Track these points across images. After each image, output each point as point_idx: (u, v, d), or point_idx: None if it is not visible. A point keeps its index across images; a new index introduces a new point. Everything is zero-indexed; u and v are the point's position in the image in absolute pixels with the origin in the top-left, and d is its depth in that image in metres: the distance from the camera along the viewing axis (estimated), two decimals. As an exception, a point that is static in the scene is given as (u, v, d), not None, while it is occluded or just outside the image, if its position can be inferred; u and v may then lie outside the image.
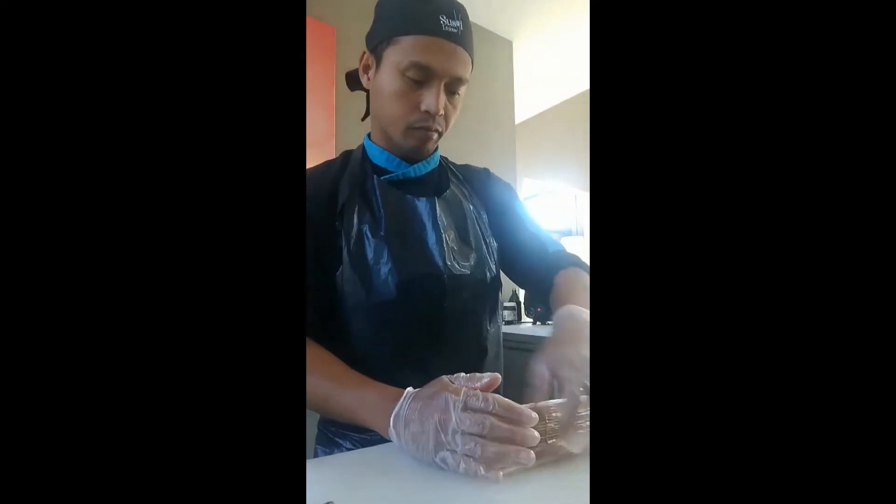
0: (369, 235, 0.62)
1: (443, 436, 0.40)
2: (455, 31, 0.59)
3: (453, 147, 2.26)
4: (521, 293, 2.43)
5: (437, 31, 0.57)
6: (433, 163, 0.71)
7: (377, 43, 0.62)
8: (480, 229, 0.71)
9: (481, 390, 0.42)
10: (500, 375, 0.45)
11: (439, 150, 0.74)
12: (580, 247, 3.36)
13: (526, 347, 2.08)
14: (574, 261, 0.69)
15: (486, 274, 0.69)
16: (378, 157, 0.69)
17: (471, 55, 0.62)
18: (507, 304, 2.37)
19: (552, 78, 3.04)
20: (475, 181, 0.78)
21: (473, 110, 2.42)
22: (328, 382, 0.51)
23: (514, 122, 2.65)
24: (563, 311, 0.53)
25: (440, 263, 0.64)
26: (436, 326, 0.64)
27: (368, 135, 0.71)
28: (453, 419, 0.40)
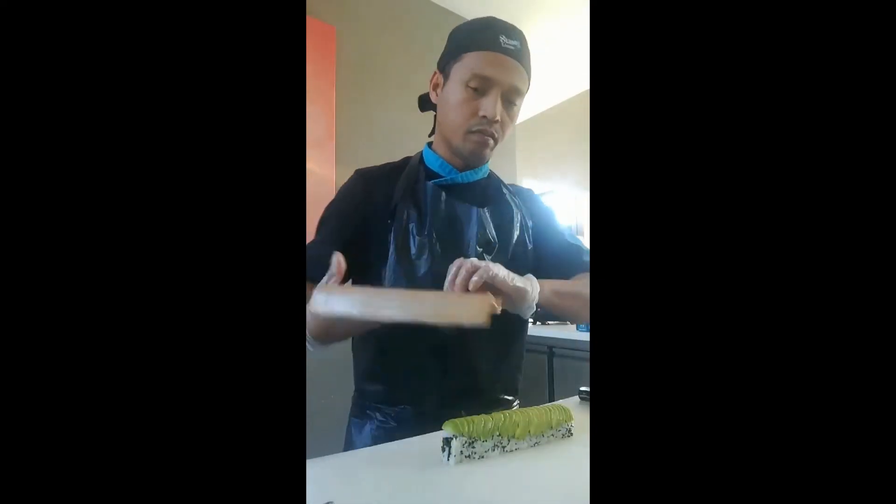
0: (415, 233, 0.69)
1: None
2: (513, 48, 0.68)
3: (453, 147, 2.26)
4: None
5: (496, 47, 0.67)
6: (481, 173, 0.78)
7: (446, 62, 0.71)
8: (524, 238, 0.77)
9: None
10: None
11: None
12: (580, 247, 3.34)
13: (527, 347, 2.08)
14: (584, 268, 0.77)
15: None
16: (433, 162, 0.76)
17: (528, 72, 0.71)
18: (507, 304, 2.36)
19: (552, 78, 3.04)
20: (524, 197, 0.86)
21: (473, 110, 2.42)
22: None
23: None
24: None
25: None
26: None
27: (429, 144, 0.79)
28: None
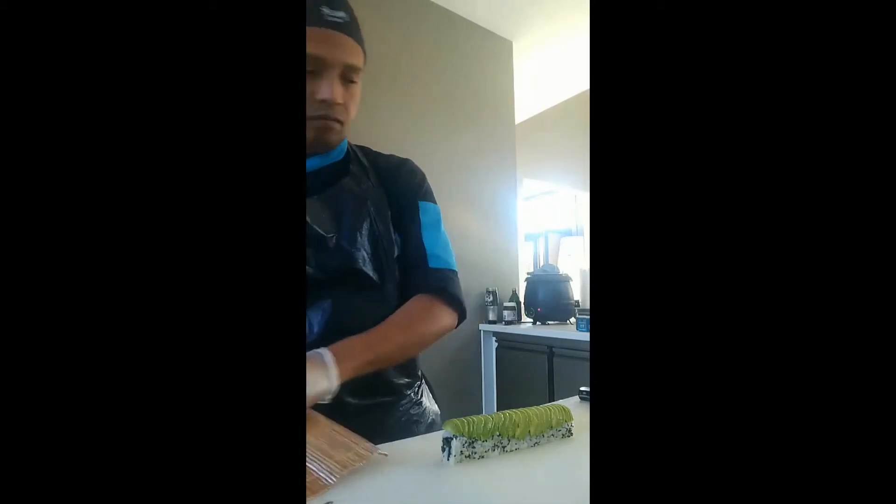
0: None
1: None
2: (340, 20, 0.61)
3: (454, 147, 2.27)
4: (522, 293, 2.43)
5: (320, 21, 0.59)
6: (331, 158, 0.69)
7: None
8: (375, 224, 0.67)
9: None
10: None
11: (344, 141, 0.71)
12: (580, 247, 3.36)
13: (526, 348, 2.09)
14: (438, 287, 0.67)
15: (382, 269, 0.66)
16: None
17: (360, 45, 0.64)
18: (507, 304, 2.37)
19: (552, 78, 3.04)
20: (387, 171, 0.74)
21: (473, 110, 2.42)
22: None
23: (514, 122, 2.65)
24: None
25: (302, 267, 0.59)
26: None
27: None
28: None
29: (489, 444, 0.47)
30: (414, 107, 2.04)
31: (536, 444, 0.51)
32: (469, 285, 1.97)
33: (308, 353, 0.52)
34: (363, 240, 0.66)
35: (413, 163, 0.77)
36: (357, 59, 0.63)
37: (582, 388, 0.73)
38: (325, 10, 0.59)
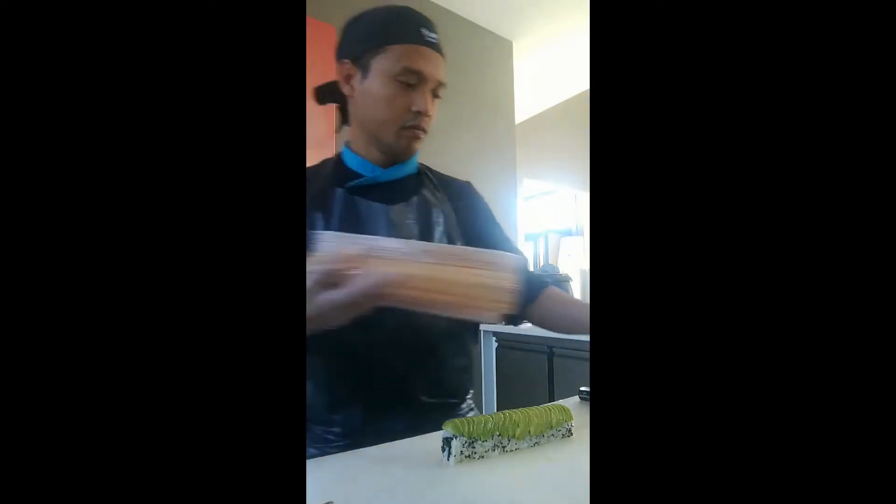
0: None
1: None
2: (434, 41, 0.67)
3: (454, 147, 2.27)
4: (521, 293, 2.43)
5: (421, 40, 0.65)
6: (408, 168, 0.74)
7: (361, 53, 0.67)
8: (450, 236, 0.72)
9: None
10: None
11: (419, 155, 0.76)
12: (580, 247, 3.36)
13: (527, 347, 2.09)
14: (549, 282, 0.81)
15: None
16: (353, 162, 0.72)
17: (444, 63, 0.70)
18: (507, 304, 2.36)
19: (552, 78, 3.04)
20: (453, 190, 0.80)
21: (473, 110, 2.42)
22: None
23: (514, 122, 2.65)
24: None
25: None
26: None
27: (348, 143, 0.75)
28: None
29: (489, 444, 0.47)
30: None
31: (536, 444, 0.51)
32: (469, 285, 1.96)
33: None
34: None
35: (473, 186, 0.86)
36: (444, 76, 0.69)
37: (582, 388, 0.73)
38: (424, 31, 0.66)
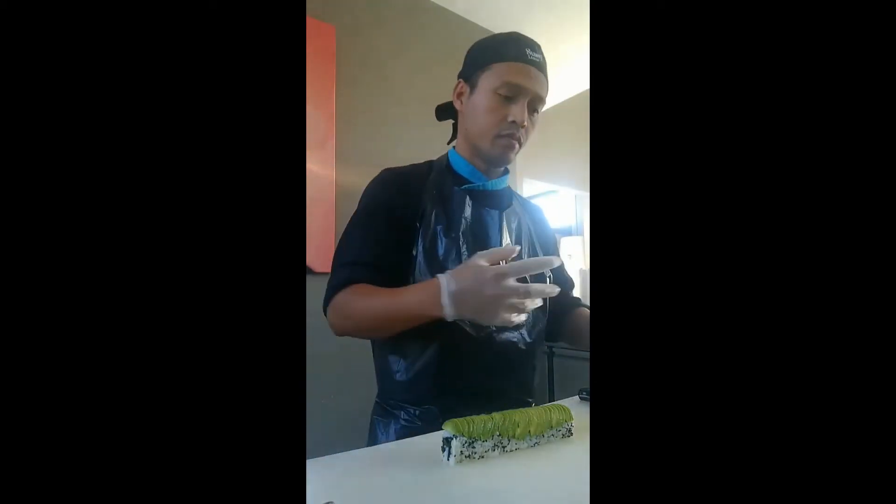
0: (442, 236, 0.72)
1: (495, 300, 0.55)
2: (538, 60, 0.73)
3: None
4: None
5: (524, 59, 0.72)
6: (505, 182, 0.84)
7: (472, 72, 0.76)
8: (532, 243, 0.83)
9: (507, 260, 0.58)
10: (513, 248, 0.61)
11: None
12: (580, 247, 3.36)
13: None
14: (583, 302, 0.90)
15: (537, 280, 0.76)
16: (462, 168, 0.80)
17: (547, 80, 0.76)
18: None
19: (552, 78, 3.04)
20: (533, 211, 0.92)
21: (473, 110, 2.41)
22: (381, 299, 0.64)
23: (514, 122, 2.64)
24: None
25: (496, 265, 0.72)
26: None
27: (454, 149, 0.83)
28: (503, 284, 0.54)
29: (489, 444, 0.47)
30: (414, 107, 2.04)
31: (536, 444, 0.51)
32: (469, 285, 1.97)
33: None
34: (528, 253, 0.81)
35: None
36: (545, 93, 0.74)
37: (582, 389, 0.73)
38: (528, 52, 0.72)
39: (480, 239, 0.75)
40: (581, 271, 2.62)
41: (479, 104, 0.75)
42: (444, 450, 0.46)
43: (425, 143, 2.36)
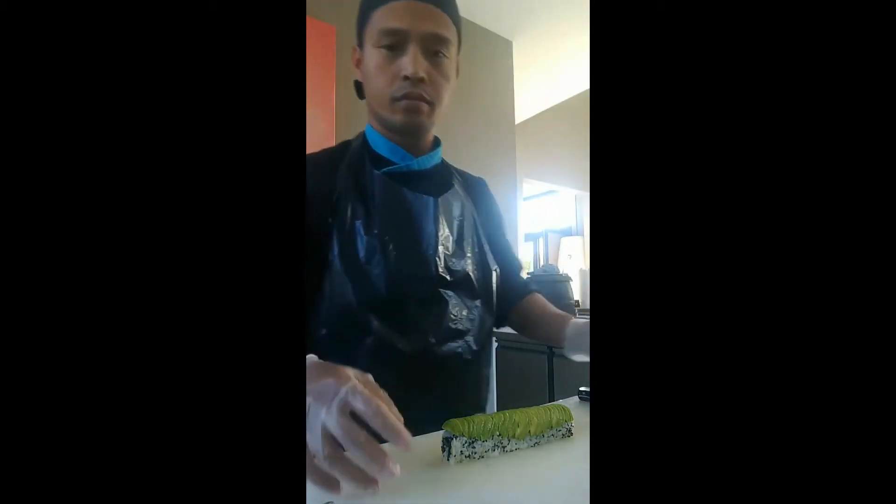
0: (362, 232, 0.59)
1: (311, 433, 0.34)
2: None
3: (454, 147, 2.27)
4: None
5: None
6: (436, 158, 0.70)
7: (359, 31, 0.63)
8: (477, 233, 0.70)
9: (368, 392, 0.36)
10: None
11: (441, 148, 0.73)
12: (580, 247, 3.36)
13: (526, 348, 2.09)
14: (535, 288, 0.80)
15: (484, 277, 0.69)
16: (381, 146, 0.66)
17: (449, 14, 0.60)
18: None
19: (552, 78, 3.04)
20: (473, 186, 0.78)
21: (473, 110, 2.42)
22: None
23: (514, 122, 2.65)
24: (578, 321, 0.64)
25: (431, 265, 0.62)
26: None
27: (370, 124, 0.69)
28: (328, 421, 0.34)
29: (489, 444, 0.47)
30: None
31: (536, 444, 0.51)
32: (469, 285, 1.97)
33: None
34: (471, 246, 0.68)
35: (486, 183, 0.82)
36: (443, 29, 0.59)
37: (582, 388, 0.73)
38: None
39: (410, 234, 0.61)
40: (581, 271, 2.62)
41: (368, 66, 0.61)
42: (444, 450, 0.46)
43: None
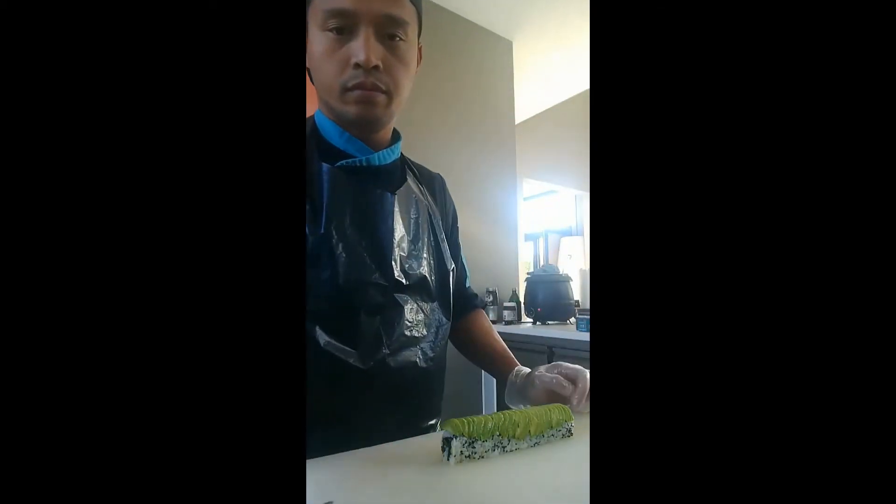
0: (308, 232, 0.52)
1: None
2: None
3: (453, 147, 2.27)
4: (522, 293, 2.43)
5: None
6: (396, 152, 0.63)
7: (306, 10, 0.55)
8: (434, 233, 0.65)
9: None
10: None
11: (401, 140, 0.66)
12: (580, 247, 3.36)
13: (527, 347, 2.09)
14: (480, 303, 0.77)
15: (441, 280, 0.65)
16: (334, 136, 0.58)
17: None
18: (507, 303, 2.37)
19: (552, 78, 3.04)
20: (431, 183, 0.71)
21: (473, 110, 2.42)
22: None
23: (514, 122, 2.65)
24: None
25: (388, 270, 0.57)
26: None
27: (320, 109, 0.61)
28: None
29: (489, 444, 0.47)
30: (413, 107, 2.04)
31: (536, 444, 0.51)
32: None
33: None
34: (428, 247, 0.63)
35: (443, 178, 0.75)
36: (398, 9, 0.51)
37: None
38: None
39: (363, 234, 0.55)
40: (581, 271, 2.62)
41: (313, 51, 0.53)
42: (444, 450, 0.46)
43: (426, 142, 2.37)
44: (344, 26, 0.50)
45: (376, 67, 0.51)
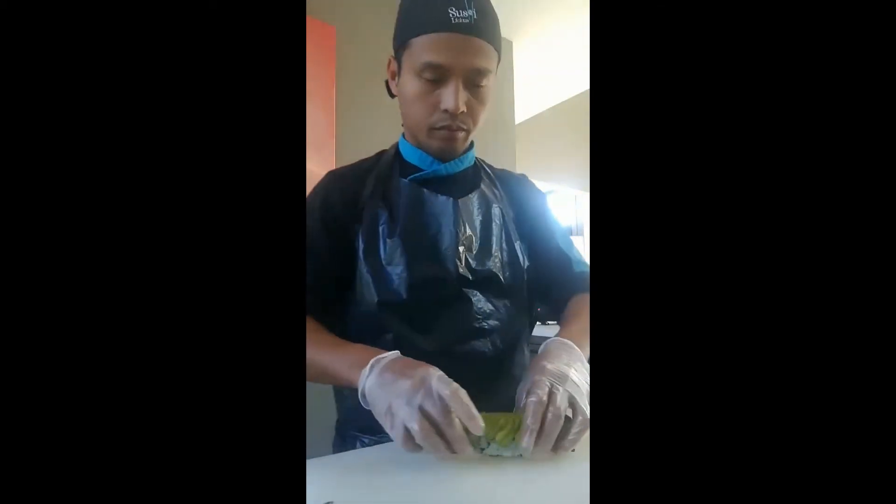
0: (385, 237, 0.62)
1: (401, 404, 0.42)
2: (467, 21, 0.56)
3: (453, 147, 2.26)
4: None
5: (445, 26, 0.56)
6: (466, 161, 0.70)
7: (397, 48, 0.62)
8: (507, 232, 0.69)
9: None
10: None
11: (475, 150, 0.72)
12: (580, 247, 3.35)
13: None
14: (581, 289, 0.70)
15: (513, 276, 0.67)
16: (411, 155, 0.68)
17: (492, 43, 0.59)
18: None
19: (552, 78, 3.04)
20: (510, 185, 0.76)
21: (473, 110, 2.41)
22: (320, 354, 0.54)
23: (514, 122, 2.65)
24: (553, 340, 0.56)
25: (451, 265, 0.63)
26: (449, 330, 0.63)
27: (404, 134, 0.71)
28: (426, 402, 0.41)
29: (509, 450, 0.45)
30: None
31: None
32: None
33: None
34: (500, 246, 0.68)
35: (529, 179, 0.80)
36: (484, 61, 0.58)
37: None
38: (453, 13, 0.55)
39: (427, 235, 0.63)
40: (581, 271, 2.62)
41: (405, 91, 0.61)
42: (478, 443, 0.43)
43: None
44: (437, 78, 0.58)
45: (461, 112, 0.59)
